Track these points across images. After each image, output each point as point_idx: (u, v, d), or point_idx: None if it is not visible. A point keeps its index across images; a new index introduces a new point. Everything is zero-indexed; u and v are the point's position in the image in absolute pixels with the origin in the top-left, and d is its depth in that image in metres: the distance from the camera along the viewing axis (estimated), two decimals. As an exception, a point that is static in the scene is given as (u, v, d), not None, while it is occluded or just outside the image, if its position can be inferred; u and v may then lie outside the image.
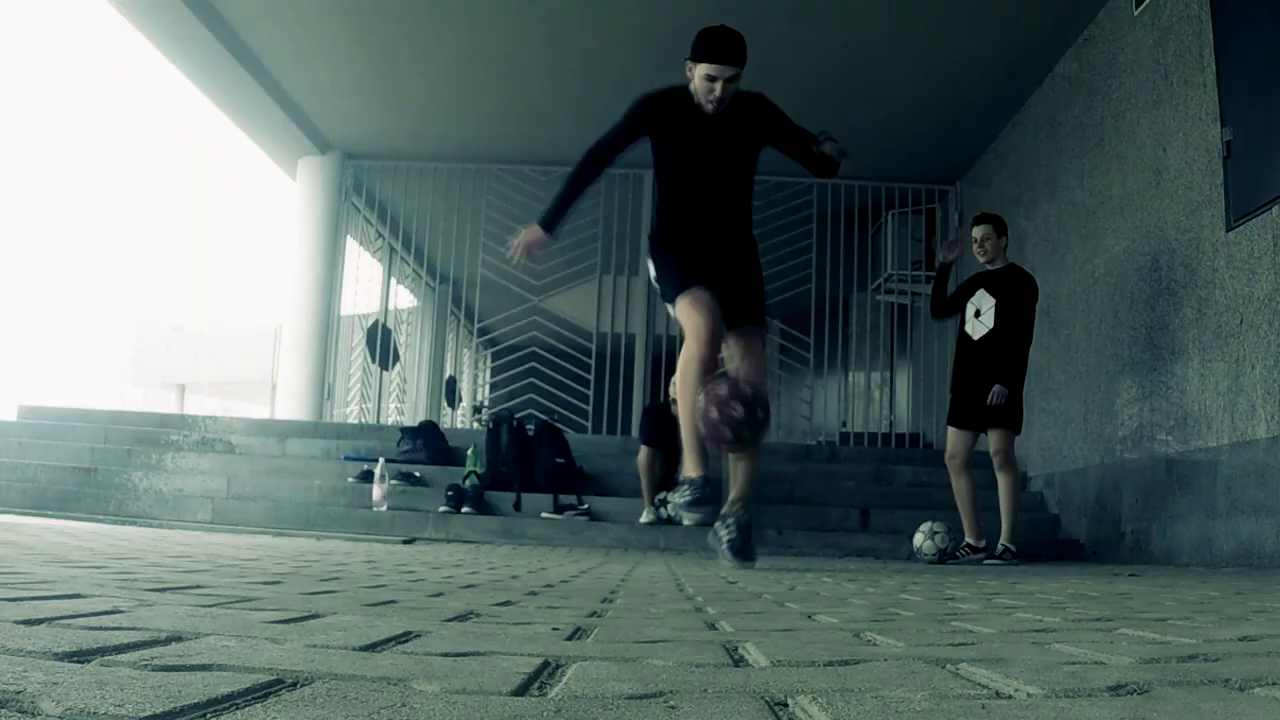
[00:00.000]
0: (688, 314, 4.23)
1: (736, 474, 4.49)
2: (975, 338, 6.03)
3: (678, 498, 4.27)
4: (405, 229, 11.97)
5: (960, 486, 6.05)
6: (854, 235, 11.10)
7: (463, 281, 12.84)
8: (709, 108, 4.28)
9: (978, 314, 6.05)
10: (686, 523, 4.55)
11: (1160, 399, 6.08)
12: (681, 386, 4.28)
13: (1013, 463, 5.99)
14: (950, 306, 6.30)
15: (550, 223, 4.52)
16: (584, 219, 11.00)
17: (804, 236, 10.45)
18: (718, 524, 4.40)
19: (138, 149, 59.74)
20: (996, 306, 5.98)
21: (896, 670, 1.03)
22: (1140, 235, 6.39)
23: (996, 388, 5.83)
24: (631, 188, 10.93)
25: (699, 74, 4.25)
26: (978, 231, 6.11)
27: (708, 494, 4.20)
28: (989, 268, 6.11)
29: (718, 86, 4.22)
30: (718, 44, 4.22)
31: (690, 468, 4.23)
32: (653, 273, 4.48)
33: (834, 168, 4.32)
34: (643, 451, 7.46)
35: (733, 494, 4.48)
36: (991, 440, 5.93)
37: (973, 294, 6.13)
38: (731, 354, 4.46)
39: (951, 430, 6.11)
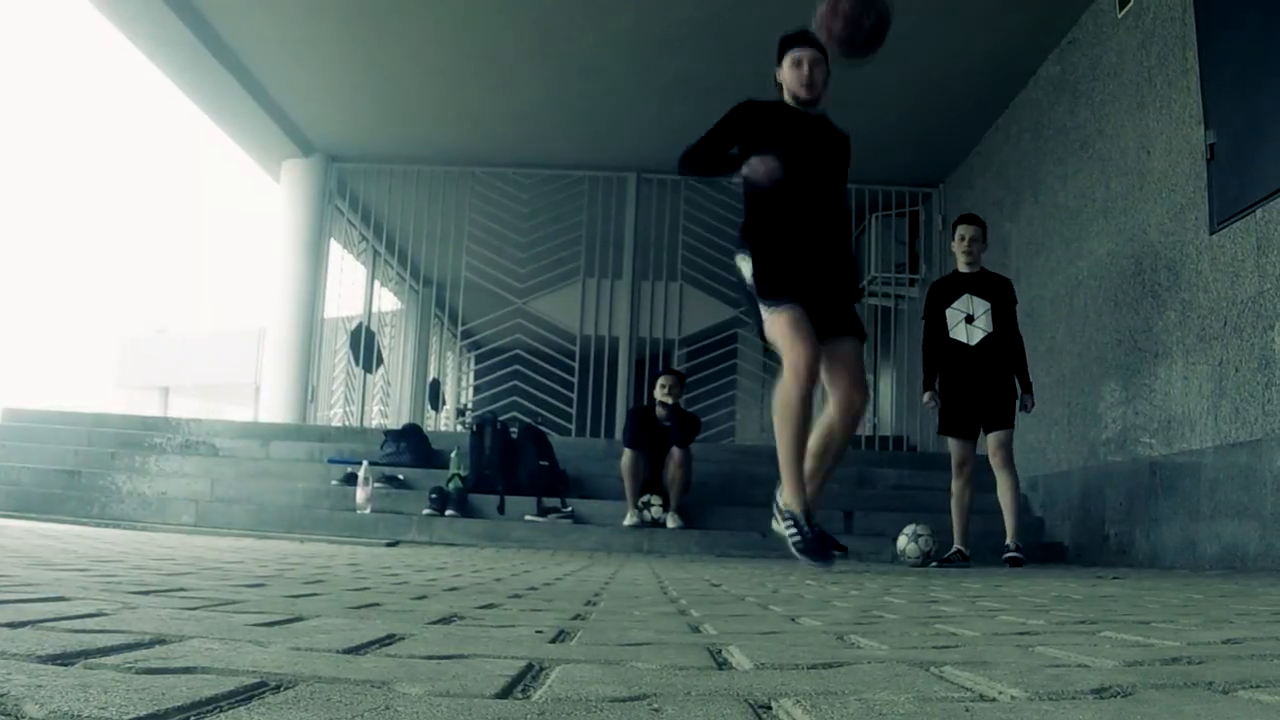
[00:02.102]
0: (788, 339, 4.10)
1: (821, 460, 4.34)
2: (972, 343, 5.91)
3: (785, 532, 4.12)
4: (389, 232, 11.92)
5: (965, 495, 5.97)
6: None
7: (446, 284, 12.82)
8: (804, 94, 4.33)
9: (970, 319, 5.93)
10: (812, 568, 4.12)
11: (1144, 402, 6.11)
12: (780, 424, 4.11)
13: (1013, 462, 5.96)
14: (935, 332, 6.10)
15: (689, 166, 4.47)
16: (568, 221, 11.02)
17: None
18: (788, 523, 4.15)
19: (122, 150, 59.38)
20: (991, 310, 5.91)
21: (880, 673, 1.03)
22: (1124, 238, 6.42)
23: (1026, 397, 5.93)
24: (615, 190, 10.95)
25: (787, 66, 4.35)
26: (968, 230, 6.04)
27: (815, 534, 4.05)
28: (967, 270, 6.06)
29: (805, 66, 4.30)
30: (795, 35, 4.34)
31: (789, 496, 4.12)
32: (748, 271, 4.31)
33: None
34: (626, 454, 7.45)
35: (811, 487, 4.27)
36: (995, 440, 5.85)
37: (954, 299, 6.01)
38: (828, 369, 4.28)
39: (954, 441, 5.96)
